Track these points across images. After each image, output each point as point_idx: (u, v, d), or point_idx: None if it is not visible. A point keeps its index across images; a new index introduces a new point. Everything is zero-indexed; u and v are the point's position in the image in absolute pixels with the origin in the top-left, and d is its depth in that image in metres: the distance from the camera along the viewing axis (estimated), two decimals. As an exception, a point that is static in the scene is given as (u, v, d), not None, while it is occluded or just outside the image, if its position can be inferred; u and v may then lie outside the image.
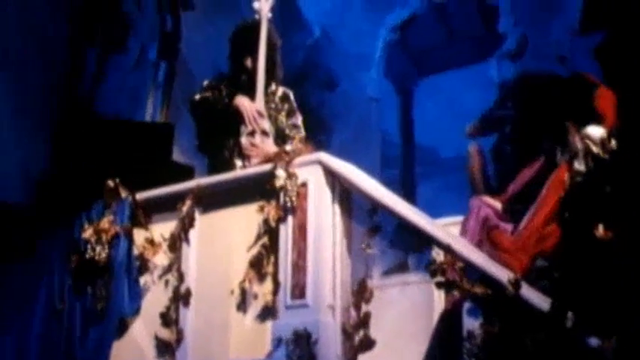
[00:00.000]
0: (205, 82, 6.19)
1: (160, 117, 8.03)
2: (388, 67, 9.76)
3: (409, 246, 6.76)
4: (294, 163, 5.30)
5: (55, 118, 7.25)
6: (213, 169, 6.16)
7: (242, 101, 6.00)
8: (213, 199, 5.59)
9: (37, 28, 7.55)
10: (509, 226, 5.83)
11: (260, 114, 5.99)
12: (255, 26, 6.18)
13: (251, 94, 6.08)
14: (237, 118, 6.00)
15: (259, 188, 5.39)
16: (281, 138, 6.10)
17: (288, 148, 5.80)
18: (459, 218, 6.37)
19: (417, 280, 5.65)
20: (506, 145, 6.84)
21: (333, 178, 5.26)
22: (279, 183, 5.26)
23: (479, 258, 4.80)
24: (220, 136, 6.09)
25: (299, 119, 6.23)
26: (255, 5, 6.22)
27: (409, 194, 9.04)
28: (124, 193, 5.89)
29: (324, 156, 5.31)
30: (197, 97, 6.06)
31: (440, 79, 9.46)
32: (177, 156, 7.45)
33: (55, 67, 7.75)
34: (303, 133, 6.19)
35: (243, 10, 6.96)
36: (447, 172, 8.83)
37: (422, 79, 9.68)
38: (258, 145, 5.97)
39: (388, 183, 9.24)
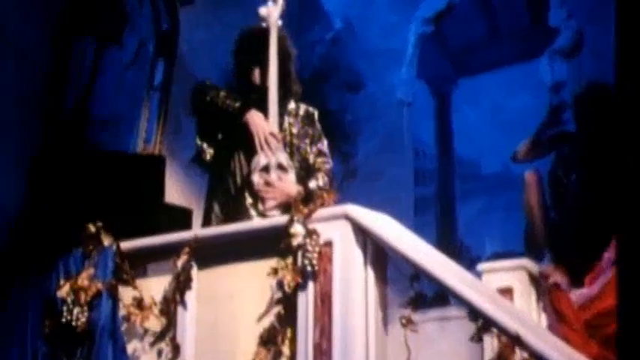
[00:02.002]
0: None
1: (155, 130, 7.03)
2: (421, 66, 8.67)
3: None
4: (314, 216, 4.36)
5: (34, 144, 6.25)
6: (214, 201, 5.20)
7: (254, 117, 5.04)
8: (215, 253, 4.73)
9: (10, 33, 6.51)
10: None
11: (274, 137, 4.97)
12: (263, 33, 5.22)
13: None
14: (246, 137, 5.00)
15: (272, 243, 4.48)
16: (305, 170, 5.14)
17: (311, 185, 5.06)
18: (512, 262, 5.50)
19: (459, 314, 4.72)
20: (569, 172, 5.76)
21: (364, 235, 4.32)
22: (296, 241, 4.36)
23: (560, 355, 3.71)
24: (226, 155, 5.15)
25: (325, 145, 5.23)
26: (263, 12, 5.27)
27: (447, 214, 8.16)
28: (106, 241, 5.03)
29: (353, 209, 4.36)
30: (207, 82, 5.22)
31: (482, 80, 8.33)
32: (173, 189, 6.41)
33: (35, 74, 6.75)
34: (330, 162, 5.20)
35: (251, 1, 5.95)
36: (491, 189, 7.89)
37: (461, 81, 8.55)
38: (274, 183, 4.96)
39: (422, 201, 8.53)
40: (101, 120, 7.34)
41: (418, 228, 8.00)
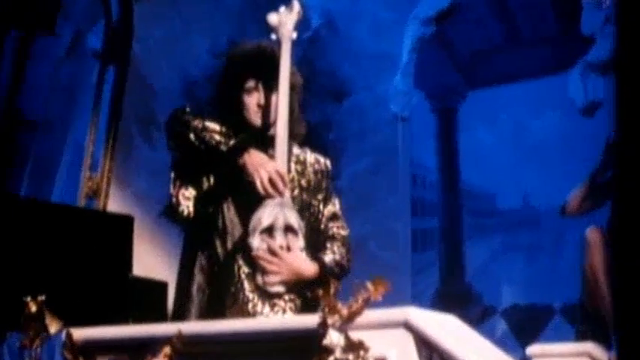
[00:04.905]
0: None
1: (103, 154, 5.86)
2: (420, 74, 7.58)
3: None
4: (359, 321, 3.14)
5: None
6: (194, 269, 3.97)
7: (253, 157, 3.82)
8: (206, 352, 3.52)
9: None
10: None
11: (281, 178, 3.78)
12: (262, 52, 3.99)
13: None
14: (241, 186, 3.86)
15: (290, 347, 3.32)
16: (315, 233, 3.98)
17: (327, 259, 3.91)
18: (573, 346, 4.55)
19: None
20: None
21: (429, 350, 3.16)
22: (333, 356, 3.15)
23: None
24: (212, 209, 3.97)
25: (337, 205, 4.09)
26: (273, 20, 4.04)
27: (453, 254, 7.20)
28: (53, 326, 3.88)
29: (415, 314, 3.15)
30: (187, 108, 3.98)
31: (497, 94, 7.27)
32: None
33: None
34: (347, 229, 4.10)
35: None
36: (509, 227, 6.88)
37: (470, 94, 7.48)
38: (281, 255, 3.80)
39: (422, 236, 7.44)
40: (32, 121, 6.87)
41: (417, 268, 7.01)
